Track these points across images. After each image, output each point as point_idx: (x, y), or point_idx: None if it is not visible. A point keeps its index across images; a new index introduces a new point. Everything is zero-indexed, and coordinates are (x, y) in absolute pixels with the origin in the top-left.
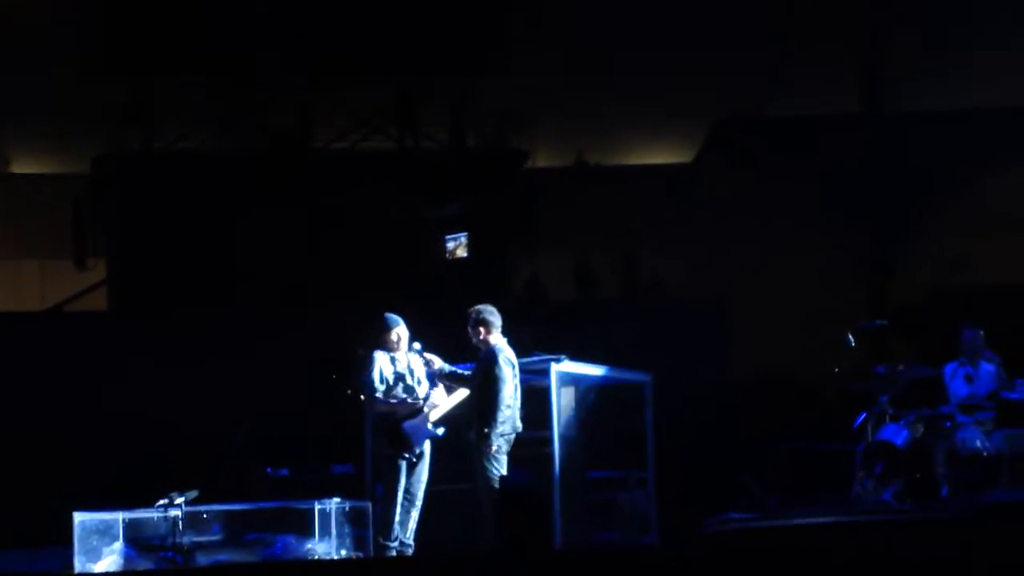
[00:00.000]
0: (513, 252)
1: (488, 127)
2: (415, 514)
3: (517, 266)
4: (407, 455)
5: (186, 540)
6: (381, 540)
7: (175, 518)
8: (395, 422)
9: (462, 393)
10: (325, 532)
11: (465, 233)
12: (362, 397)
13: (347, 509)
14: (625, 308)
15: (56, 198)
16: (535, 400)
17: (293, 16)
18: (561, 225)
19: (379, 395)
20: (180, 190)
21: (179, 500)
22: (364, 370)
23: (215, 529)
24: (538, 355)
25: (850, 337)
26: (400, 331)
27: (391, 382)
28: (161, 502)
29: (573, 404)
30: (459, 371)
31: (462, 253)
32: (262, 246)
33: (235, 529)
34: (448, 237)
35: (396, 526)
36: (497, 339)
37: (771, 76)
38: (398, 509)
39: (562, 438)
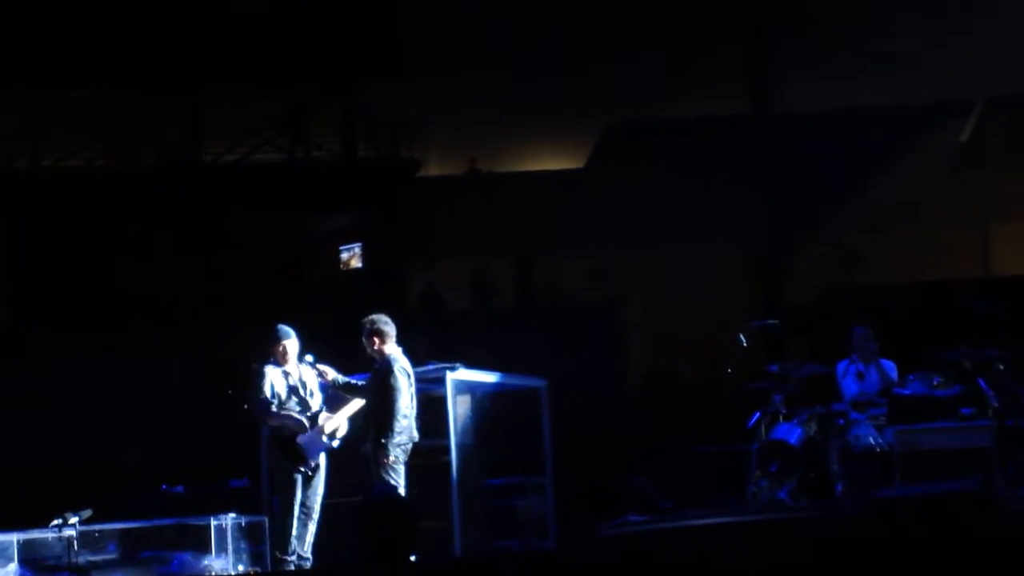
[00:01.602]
0: (408, 261)
1: (379, 136)
2: (312, 527)
3: (412, 275)
4: (303, 468)
5: (82, 559)
6: (279, 555)
7: (70, 537)
8: (289, 436)
9: (356, 404)
10: (222, 548)
11: (359, 244)
12: (256, 412)
13: (244, 524)
14: (520, 315)
15: None
16: (431, 409)
17: (181, 27)
18: (456, 233)
19: (272, 409)
20: (69, 207)
21: (73, 520)
22: (255, 385)
23: (111, 548)
24: (433, 364)
25: (742, 337)
26: (289, 344)
27: (283, 396)
28: (55, 522)
29: (470, 412)
30: (353, 382)
31: (356, 264)
32: (153, 261)
33: (131, 547)
34: (342, 248)
35: (293, 540)
36: (392, 349)
37: (661, 79)
38: (295, 523)
39: (459, 446)
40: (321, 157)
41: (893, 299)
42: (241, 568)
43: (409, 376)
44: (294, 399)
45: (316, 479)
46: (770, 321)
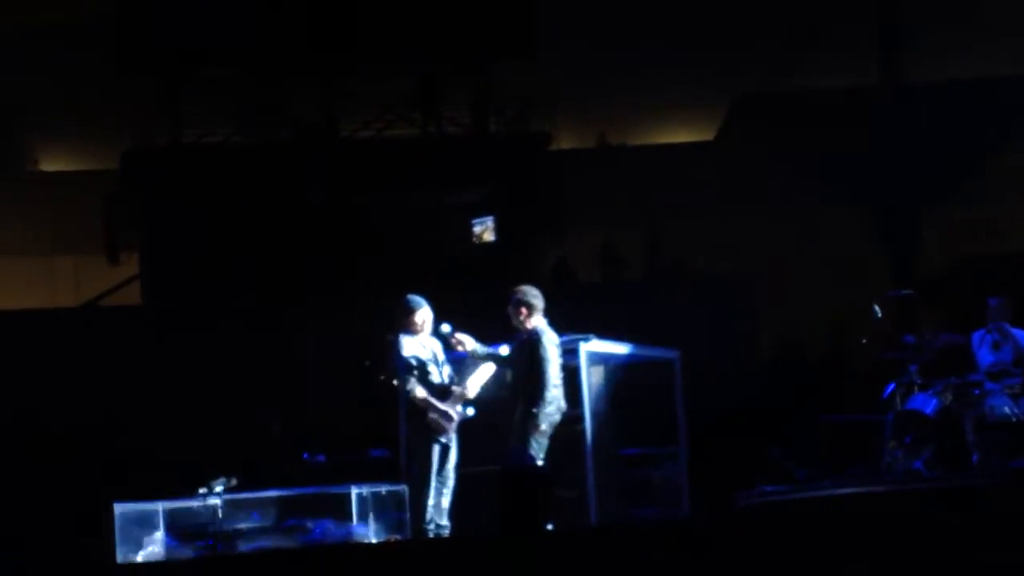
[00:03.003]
0: (539, 234)
1: (510, 111)
2: (448, 495)
3: (544, 248)
4: (440, 439)
5: (226, 527)
6: (418, 523)
7: (215, 506)
8: (424, 407)
9: (487, 371)
10: (363, 516)
11: (491, 217)
12: (395, 382)
13: (384, 493)
14: (651, 287)
15: (87, 194)
16: (565, 379)
17: (313, 6)
18: (586, 206)
19: (412, 379)
20: (208, 183)
21: (218, 488)
22: (394, 355)
23: (254, 516)
24: (567, 335)
25: (876, 308)
26: (424, 313)
27: (422, 365)
28: (201, 491)
29: (603, 382)
30: (494, 351)
31: (489, 237)
32: (291, 236)
33: (274, 515)
34: (475, 221)
35: (431, 508)
36: (539, 321)
37: (790, 51)
38: (432, 492)
39: (593, 416)
40: (453, 132)
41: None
42: (382, 536)
43: (557, 347)
44: (431, 368)
45: (452, 448)
46: (905, 291)
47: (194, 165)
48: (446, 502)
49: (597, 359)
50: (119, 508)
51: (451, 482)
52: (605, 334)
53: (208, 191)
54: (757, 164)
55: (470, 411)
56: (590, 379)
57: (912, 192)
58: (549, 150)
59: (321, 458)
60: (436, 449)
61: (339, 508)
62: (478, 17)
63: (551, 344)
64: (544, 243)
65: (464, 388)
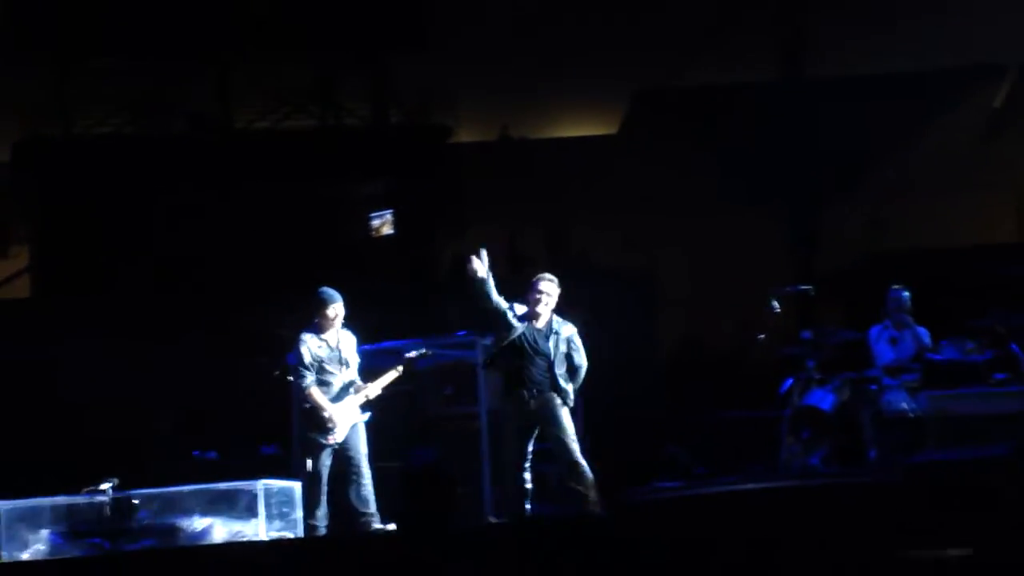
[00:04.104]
0: (440, 228)
1: (411, 103)
2: (368, 486)
3: (444, 242)
4: (326, 440)
5: (114, 526)
6: (309, 520)
7: (102, 504)
8: (317, 407)
9: (391, 375)
10: (253, 514)
11: (391, 210)
12: (290, 378)
13: (275, 490)
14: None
15: None
16: (463, 376)
17: None
18: (488, 200)
19: (309, 379)
20: (100, 175)
21: (106, 486)
22: (293, 352)
23: (143, 514)
24: (464, 331)
25: (775, 303)
26: (337, 308)
27: (320, 363)
28: (88, 488)
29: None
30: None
31: (388, 230)
32: (183, 229)
33: (164, 513)
34: (373, 215)
35: (322, 506)
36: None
37: (693, 44)
38: (321, 490)
39: (490, 413)
40: (352, 124)
41: (927, 265)
42: (273, 534)
43: None
44: (330, 366)
45: (352, 443)
46: (803, 287)
47: (85, 157)
48: (368, 492)
49: None
50: (3, 506)
51: (366, 473)
52: None
53: (99, 183)
54: (660, 159)
55: (365, 415)
56: (487, 374)
57: (815, 188)
58: (450, 143)
59: (212, 455)
60: (325, 450)
61: (230, 505)
62: (377, 6)
63: None
64: (444, 237)
65: (366, 387)
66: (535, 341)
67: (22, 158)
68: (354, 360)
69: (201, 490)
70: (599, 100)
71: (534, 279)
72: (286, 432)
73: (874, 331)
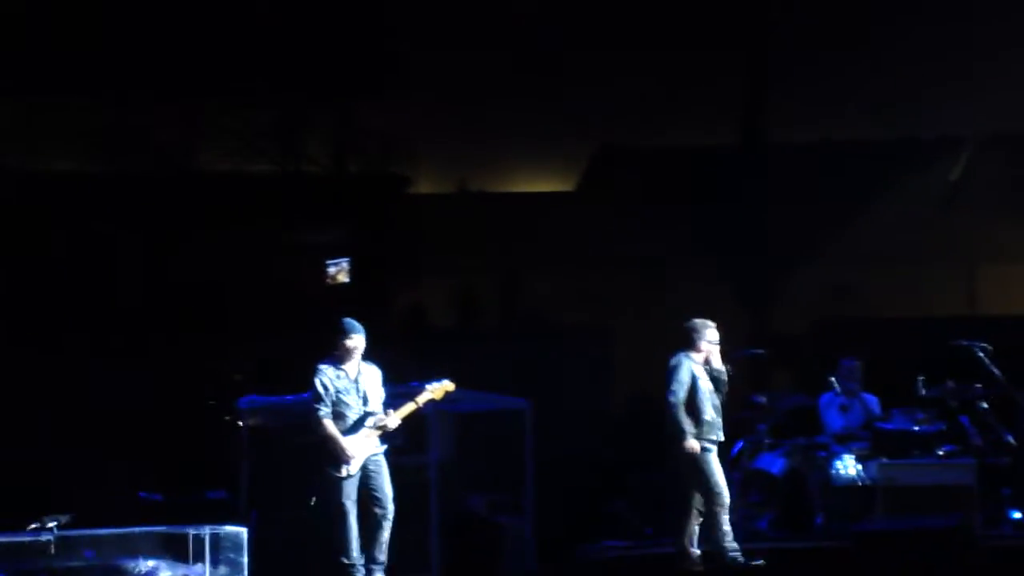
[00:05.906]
0: (395, 278)
1: (370, 151)
2: (387, 528)
3: (399, 292)
4: (339, 473)
5: (58, 565)
6: (343, 560)
7: (46, 542)
8: (329, 439)
9: (409, 407)
10: (199, 558)
11: (347, 258)
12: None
13: (221, 535)
14: (506, 335)
15: None
16: (413, 426)
17: (172, 37)
18: (444, 251)
19: (323, 411)
20: (56, 212)
21: (51, 524)
22: (310, 384)
23: (87, 554)
24: (417, 382)
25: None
26: (357, 339)
27: (337, 394)
28: (32, 526)
29: (453, 430)
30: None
31: (343, 279)
32: (139, 270)
33: (108, 554)
34: (329, 262)
35: (355, 543)
36: None
37: (654, 105)
38: (353, 525)
39: (440, 463)
40: (311, 170)
41: (880, 333)
42: None
43: None
44: (346, 399)
45: (377, 482)
46: (756, 351)
47: (44, 192)
48: (379, 540)
49: (448, 406)
50: None
51: (389, 515)
52: (457, 380)
53: (55, 220)
54: (618, 216)
55: (383, 447)
56: (438, 426)
57: (772, 252)
58: (408, 193)
59: (157, 497)
60: (345, 484)
61: (175, 548)
62: (340, 55)
63: None
64: (399, 287)
65: (385, 419)
66: None
67: None
68: (377, 394)
69: (148, 532)
70: (558, 156)
71: None
72: (234, 476)
73: (824, 398)
